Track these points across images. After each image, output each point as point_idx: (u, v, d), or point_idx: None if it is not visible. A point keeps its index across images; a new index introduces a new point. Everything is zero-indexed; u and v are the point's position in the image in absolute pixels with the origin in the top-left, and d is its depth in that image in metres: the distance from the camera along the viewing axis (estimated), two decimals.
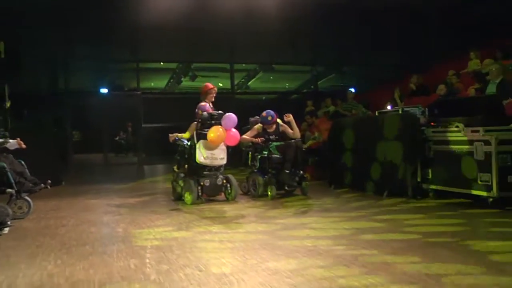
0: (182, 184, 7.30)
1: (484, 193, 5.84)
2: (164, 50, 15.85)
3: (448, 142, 6.40)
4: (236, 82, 17.36)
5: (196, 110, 7.30)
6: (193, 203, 6.89)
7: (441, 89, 9.46)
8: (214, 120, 7.10)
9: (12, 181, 5.93)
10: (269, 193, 7.38)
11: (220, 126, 7.03)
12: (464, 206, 6.06)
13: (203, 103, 7.39)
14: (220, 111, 7.28)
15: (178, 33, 14.82)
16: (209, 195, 7.27)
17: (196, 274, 3.55)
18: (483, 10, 12.84)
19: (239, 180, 7.71)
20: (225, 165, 7.26)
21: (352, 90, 13.23)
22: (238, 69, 17.24)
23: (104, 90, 16.16)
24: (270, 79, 19.33)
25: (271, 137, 7.76)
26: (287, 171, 7.37)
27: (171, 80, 18.81)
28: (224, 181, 7.19)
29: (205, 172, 7.10)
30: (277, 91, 19.87)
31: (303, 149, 7.79)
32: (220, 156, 7.09)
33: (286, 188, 7.59)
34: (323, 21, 14.75)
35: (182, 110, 9.72)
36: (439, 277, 3.31)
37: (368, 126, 8.10)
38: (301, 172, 7.59)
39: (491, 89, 8.10)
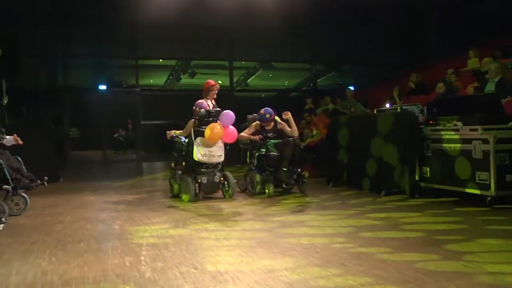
0: (179, 182, 7.28)
1: (482, 192, 5.82)
2: (163, 47, 15.84)
3: (446, 141, 6.38)
4: (235, 79, 17.36)
5: (194, 107, 7.28)
6: (190, 201, 6.87)
7: (440, 87, 9.43)
8: (211, 117, 7.06)
9: (9, 177, 5.90)
10: (266, 191, 7.36)
11: (217, 123, 7.01)
12: (460, 204, 6.04)
13: (200, 100, 7.36)
14: (218, 108, 7.26)
15: (177, 30, 14.83)
16: (207, 192, 7.24)
17: (191, 272, 3.53)
18: (482, 9, 12.83)
19: (236, 177, 7.69)
20: (223, 162, 7.24)
21: (351, 88, 13.26)
22: (237, 66, 17.23)
23: (103, 87, 16.15)
24: (270, 77, 19.35)
25: (269, 134, 7.73)
26: (285, 169, 7.35)
27: (170, 77, 18.80)
28: (222, 178, 7.16)
29: (202, 170, 7.06)
30: (277, 88, 19.91)
31: (301, 147, 7.77)
32: (217, 154, 7.06)
33: (284, 186, 7.59)
34: (322, 19, 14.74)
35: (181, 107, 9.69)
36: (436, 275, 3.29)
37: (362, 124, 8.12)
38: (299, 170, 7.57)
39: (490, 87, 8.08)
